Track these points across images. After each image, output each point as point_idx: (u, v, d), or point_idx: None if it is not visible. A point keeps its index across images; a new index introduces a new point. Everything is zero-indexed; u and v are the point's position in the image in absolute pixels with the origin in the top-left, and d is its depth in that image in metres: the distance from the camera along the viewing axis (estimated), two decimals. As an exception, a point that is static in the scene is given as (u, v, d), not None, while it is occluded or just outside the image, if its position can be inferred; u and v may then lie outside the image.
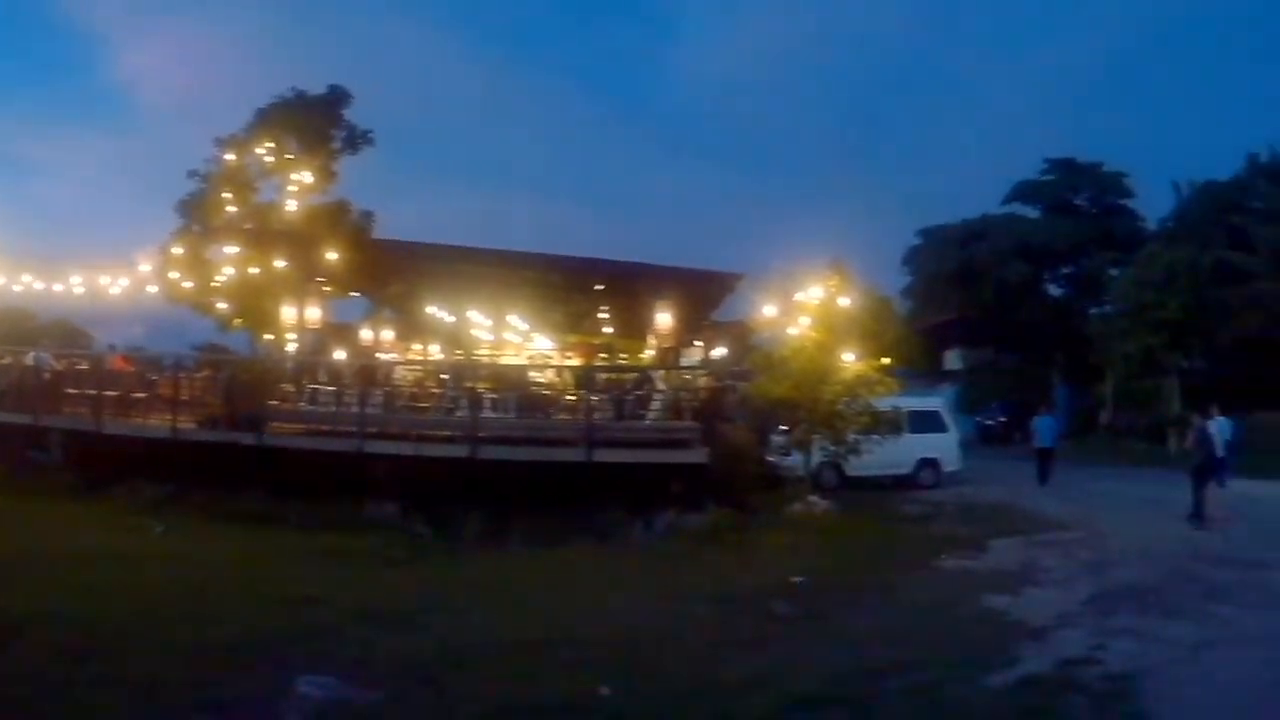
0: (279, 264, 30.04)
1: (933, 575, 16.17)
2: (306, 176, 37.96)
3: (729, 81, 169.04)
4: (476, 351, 37.33)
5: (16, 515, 18.98)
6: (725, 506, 21.06)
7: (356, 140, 41.16)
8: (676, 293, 28.07)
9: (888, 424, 23.81)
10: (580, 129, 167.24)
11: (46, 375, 27.65)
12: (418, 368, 31.53)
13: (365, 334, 35.67)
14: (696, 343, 36.28)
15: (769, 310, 24.31)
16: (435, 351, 36.97)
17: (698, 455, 21.64)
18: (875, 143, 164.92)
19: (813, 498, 22.43)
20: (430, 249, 29.07)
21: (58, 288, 34.07)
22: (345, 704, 8.74)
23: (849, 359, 23.11)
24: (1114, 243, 51.87)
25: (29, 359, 27.90)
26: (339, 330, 34.39)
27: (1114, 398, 45.71)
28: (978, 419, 47.58)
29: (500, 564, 18.10)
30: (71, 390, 27.01)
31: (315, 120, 39.96)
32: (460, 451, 22.09)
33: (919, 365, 42.79)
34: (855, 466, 24.63)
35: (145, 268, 34.73)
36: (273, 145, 38.33)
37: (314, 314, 30.77)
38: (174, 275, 35.91)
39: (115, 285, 34.08)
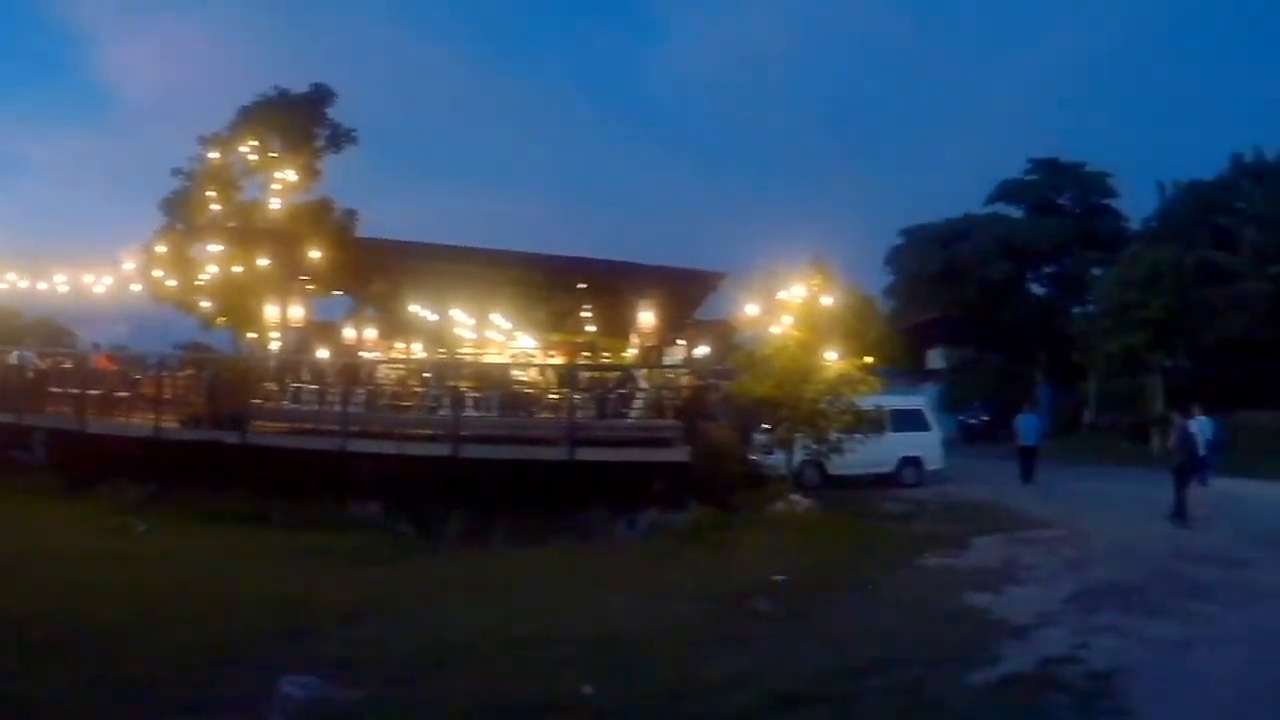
0: (262, 262, 29.93)
1: (915, 574, 16.18)
2: (290, 175, 37.95)
3: (714, 81, 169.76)
4: (459, 350, 37.27)
5: (-1, 515, 18.94)
6: (707, 505, 21.08)
7: (340, 139, 41.13)
8: (659, 292, 28.05)
9: (870, 423, 23.75)
10: (564, 128, 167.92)
11: (31, 374, 27.58)
12: (400, 366, 31.50)
13: (348, 332, 35.59)
14: (679, 341, 36.27)
15: (752, 309, 24.30)
16: (418, 350, 36.95)
17: (680, 454, 21.67)
18: (859, 142, 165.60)
19: (795, 496, 22.41)
20: (413, 248, 29.03)
21: (42, 286, 33.99)
22: (328, 703, 8.72)
23: (831, 358, 23.09)
24: (1097, 242, 51.93)
25: (13, 358, 27.86)
26: (322, 329, 34.27)
27: (1097, 397, 45.85)
28: (960, 418, 47.61)
29: (483, 563, 18.09)
30: (55, 389, 26.92)
31: (299, 119, 39.93)
32: (443, 450, 22.09)
33: (902, 364, 42.77)
34: (837, 465, 24.56)
35: (129, 266, 34.69)
36: (256, 144, 38.31)
37: (297, 312, 30.67)
38: (158, 274, 35.84)
39: (99, 284, 34.02)
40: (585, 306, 36.36)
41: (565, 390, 25.15)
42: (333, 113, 41.10)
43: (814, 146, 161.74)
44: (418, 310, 36.07)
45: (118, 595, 12.71)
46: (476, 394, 25.28)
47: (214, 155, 38.28)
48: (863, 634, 11.83)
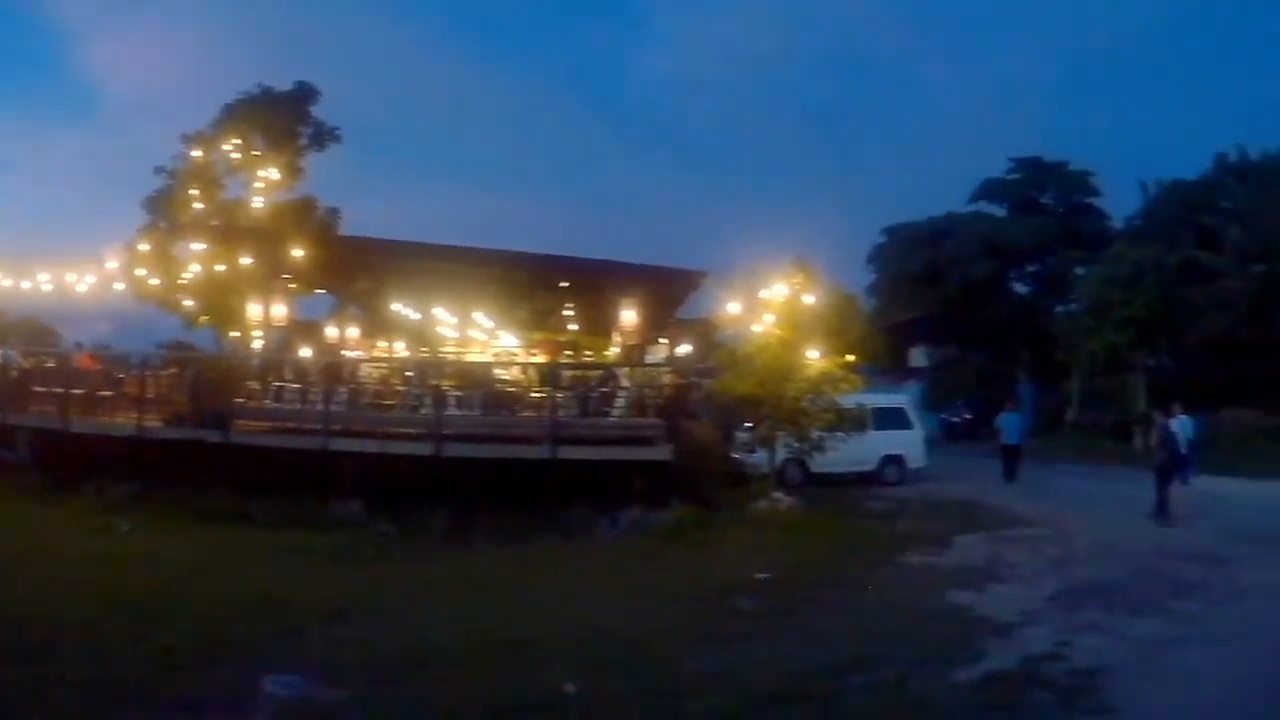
0: (245, 261, 29.82)
1: (898, 571, 16.24)
2: (273, 173, 37.78)
3: (696, 79, 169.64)
4: (442, 349, 37.24)
5: (-19, 514, 18.86)
6: (690, 503, 21.04)
7: (323, 137, 40.94)
8: (642, 290, 28.01)
9: (852, 421, 23.84)
10: (547, 127, 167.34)
11: (14, 373, 27.46)
12: (383, 365, 31.43)
13: (331, 331, 35.54)
14: (661, 340, 36.21)
15: (734, 307, 24.37)
16: (401, 349, 36.91)
17: (662, 452, 21.64)
18: (841, 141, 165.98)
19: (777, 494, 22.45)
20: (396, 246, 28.93)
21: (25, 285, 33.75)
22: (312, 703, 8.73)
23: (813, 356, 23.14)
24: (1080, 241, 52.15)
25: (-4, 357, 27.71)
26: (305, 327, 34.15)
27: (1080, 395, 45.91)
28: (943, 416, 47.71)
29: (465, 562, 18.01)
30: (39, 388, 26.78)
31: (282, 117, 39.75)
32: (425, 449, 22.03)
33: (884, 362, 42.89)
34: (820, 463, 24.58)
35: (112, 265, 34.48)
36: (239, 142, 38.12)
37: (280, 311, 30.55)
38: (141, 272, 35.68)
39: (82, 282, 33.78)
40: (567, 305, 36.30)
41: (548, 389, 25.09)
42: (316, 111, 40.90)
43: (797, 145, 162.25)
44: (400, 309, 36.04)
45: (100, 594, 12.67)
46: (459, 393, 25.19)
47: (197, 153, 38.07)
48: (846, 632, 11.84)
